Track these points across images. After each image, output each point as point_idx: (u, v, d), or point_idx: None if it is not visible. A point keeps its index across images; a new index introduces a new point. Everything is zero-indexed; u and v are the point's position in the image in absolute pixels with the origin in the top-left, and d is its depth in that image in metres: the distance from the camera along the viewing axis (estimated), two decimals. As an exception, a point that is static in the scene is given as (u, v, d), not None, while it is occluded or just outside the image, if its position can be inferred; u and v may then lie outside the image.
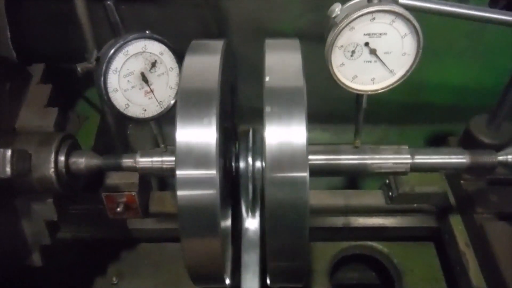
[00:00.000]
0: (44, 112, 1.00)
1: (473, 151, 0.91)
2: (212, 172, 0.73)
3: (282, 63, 0.79)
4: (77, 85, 1.59)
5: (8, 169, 0.82)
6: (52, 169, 0.90)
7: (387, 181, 1.41)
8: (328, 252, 1.50)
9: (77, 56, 1.10)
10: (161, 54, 0.82)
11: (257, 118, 1.49)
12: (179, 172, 0.74)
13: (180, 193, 0.75)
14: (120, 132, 1.49)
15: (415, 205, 1.42)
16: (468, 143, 1.22)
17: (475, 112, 1.34)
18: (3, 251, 0.95)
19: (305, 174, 0.72)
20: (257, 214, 0.95)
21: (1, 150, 0.81)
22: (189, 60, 0.79)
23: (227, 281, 0.84)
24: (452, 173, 1.33)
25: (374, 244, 1.51)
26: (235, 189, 0.96)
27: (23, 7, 1.30)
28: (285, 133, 0.73)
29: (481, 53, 1.51)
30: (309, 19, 1.51)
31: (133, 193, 1.34)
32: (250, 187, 0.92)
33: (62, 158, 0.91)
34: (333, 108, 1.52)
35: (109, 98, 0.78)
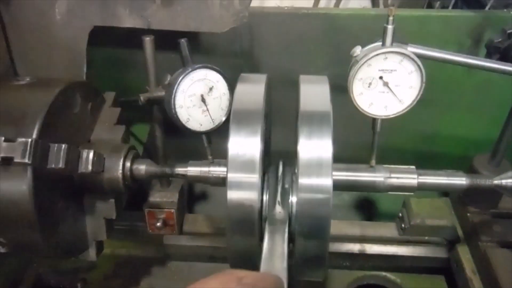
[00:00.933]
0: (114, 129, 1.22)
1: (472, 175, 1.08)
2: (256, 176, 0.90)
3: (314, 92, 0.99)
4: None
5: (90, 166, 1.02)
6: (120, 171, 1.09)
7: (400, 214, 1.56)
8: (343, 280, 1.62)
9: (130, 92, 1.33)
10: (217, 81, 1.04)
11: (286, 158, 1.67)
12: (230, 175, 0.91)
13: (230, 193, 0.91)
14: (164, 160, 1.70)
15: (426, 237, 1.55)
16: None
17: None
18: (68, 241, 1.12)
19: (329, 181, 0.88)
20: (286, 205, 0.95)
21: (86, 150, 1.02)
22: (240, 87, 1.00)
23: None
24: (460, 207, 1.48)
25: (388, 274, 1.62)
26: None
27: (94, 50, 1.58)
28: (315, 147, 0.91)
29: (488, 106, 1.68)
30: (331, 71, 1.73)
31: (172, 210, 1.52)
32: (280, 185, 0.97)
33: (128, 164, 1.11)
34: (351, 154, 1.70)
35: (176, 112, 1.00)
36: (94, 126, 1.23)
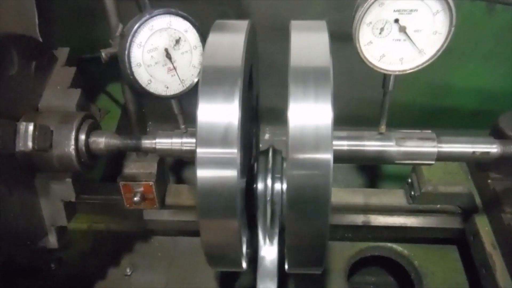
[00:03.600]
0: (67, 93, 1.00)
1: (504, 141, 0.88)
2: (233, 151, 0.71)
3: (308, 42, 0.77)
4: (99, 79, 1.61)
5: (30, 143, 0.82)
6: (73, 147, 0.89)
7: (409, 180, 1.37)
8: (345, 253, 1.46)
9: (99, 47, 1.12)
10: (186, 31, 0.82)
11: (276, 119, 1.47)
12: (200, 151, 0.72)
13: (200, 172, 0.73)
14: (140, 127, 1.50)
15: (438, 206, 1.37)
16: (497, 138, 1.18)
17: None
18: (20, 229, 0.94)
19: (329, 156, 0.69)
20: (275, 241, 0.88)
21: (24, 123, 0.82)
22: (213, 37, 0.78)
23: (244, 265, 0.81)
24: (478, 172, 1.29)
25: (394, 245, 1.46)
26: (252, 211, 0.89)
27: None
28: (309, 112, 0.70)
29: (508, 56, 1.47)
30: (332, 18, 1.50)
31: (151, 183, 1.33)
32: (269, 211, 0.85)
33: (82, 137, 0.91)
34: (355, 111, 1.50)
35: (132, 73, 0.78)
36: (42, 90, 1.01)
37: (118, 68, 1.21)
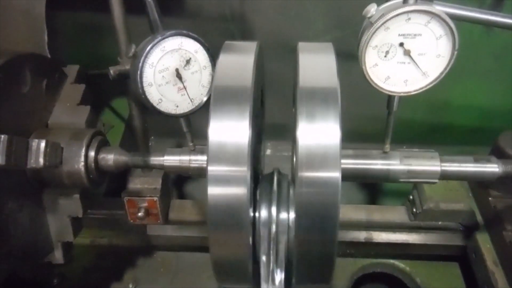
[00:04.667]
0: (76, 110, 1.02)
1: (506, 160, 0.90)
2: (243, 169, 0.72)
3: (316, 64, 0.79)
4: (104, 94, 1.63)
5: (41, 160, 0.83)
6: (82, 163, 0.91)
7: (411, 196, 1.39)
8: (348, 269, 1.47)
9: (105, 65, 1.14)
10: (196, 52, 0.84)
11: (280, 134, 1.48)
12: (211, 168, 0.73)
13: (210, 189, 0.73)
14: (144, 142, 1.52)
15: (440, 222, 1.38)
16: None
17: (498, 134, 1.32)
18: (27, 245, 0.95)
19: (338, 174, 0.70)
20: (279, 281, 0.79)
21: (36, 140, 0.83)
22: (223, 58, 0.80)
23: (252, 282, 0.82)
24: (479, 190, 1.31)
25: (396, 262, 1.47)
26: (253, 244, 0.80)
27: (60, 15, 1.35)
28: (318, 132, 0.72)
29: (507, 74, 1.49)
30: (334, 35, 1.53)
31: (155, 199, 1.34)
32: (273, 248, 0.78)
33: (92, 153, 0.92)
34: (358, 127, 1.52)
35: (144, 92, 0.80)
36: (52, 107, 1.03)
37: (123, 85, 1.24)
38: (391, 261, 1.47)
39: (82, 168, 0.91)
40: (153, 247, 1.53)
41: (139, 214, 1.34)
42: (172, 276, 1.49)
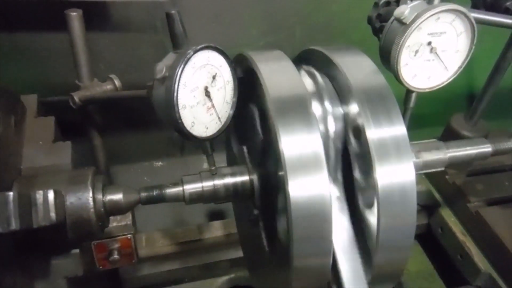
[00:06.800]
0: (54, 148, 0.84)
1: (493, 140, 1.00)
2: (324, 176, 0.67)
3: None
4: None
5: (53, 214, 0.67)
6: (92, 210, 0.75)
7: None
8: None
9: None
10: (221, 66, 0.76)
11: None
12: (292, 182, 0.66)
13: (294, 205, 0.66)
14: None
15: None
16: (449, 138, 1.33)
17: (435, 119, 1.47)
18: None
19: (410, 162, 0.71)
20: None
21: (40, 192, 0.66)
22: (263, 67, 0.74)
23: None
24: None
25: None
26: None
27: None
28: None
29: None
30: (268, 41, 1.55)
31: (129, 236, 1.18)
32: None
33: (99, 197, 0.77)
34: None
35: (180, 116, 0.69)
36: (21, 148, 0.83)
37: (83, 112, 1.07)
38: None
39: (93, 216, 0.75)
40: (123, 290, 1.34)
41: (112, 257, 1.17)
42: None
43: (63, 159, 0.83)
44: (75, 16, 0.94)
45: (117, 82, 1.03)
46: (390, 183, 0.70)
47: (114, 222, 1.17)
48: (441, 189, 1.44)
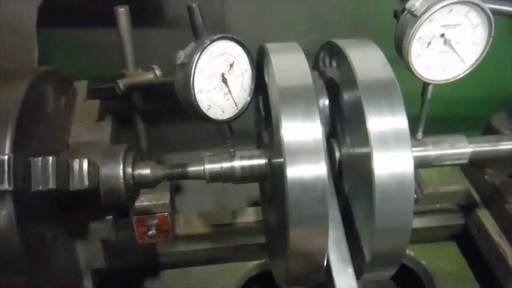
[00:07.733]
0: (97, 127, 0.96)
1: (519, 136, 0.98)
2: (322, 165, 0.72)
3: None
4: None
5: (86, 180, 0.77)
6: (122, 181, 0.85)
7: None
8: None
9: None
10: (238, 55, 0.83)
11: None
12: (290, 169, 0.71)
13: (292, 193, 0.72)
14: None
15: (438, 205, 1.47)
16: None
17: (465, 124, 1.42)
18: (60, 278, 0.87)
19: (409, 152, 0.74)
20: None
21: (77, 161, 0.77)
22: (276, 60, 0.80)
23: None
24: (473, 170, 1.41)
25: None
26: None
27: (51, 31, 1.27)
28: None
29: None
30: (313, 39, 1.58)
31: (166, 214, 1.29)
32: None
33: (129, 170, 0.87)
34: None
35: (195, 99, 0.77)
36: (70, 126, 0.96)
37: (129, 99, 1.19)
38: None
39: (122, 186, 0.85)
40: (160, 265, 1.46)
41: (150, 232, 1.28)
42: (183, 293, 1.44)
43: (103, 136, 0.95)
44: (122, 12, 1.06)
45: (158, 72, 1.13)
46: (388, 173, 0.72)
47: (154, 201, 1.28)
48: (480, 189, 1.40)
